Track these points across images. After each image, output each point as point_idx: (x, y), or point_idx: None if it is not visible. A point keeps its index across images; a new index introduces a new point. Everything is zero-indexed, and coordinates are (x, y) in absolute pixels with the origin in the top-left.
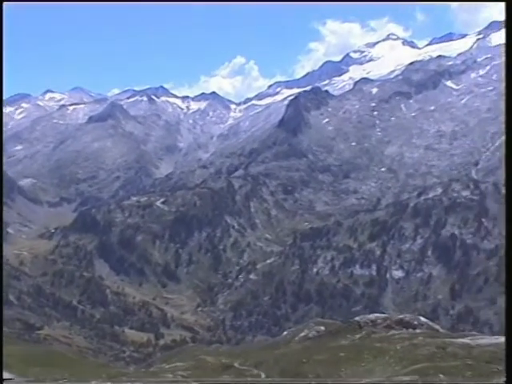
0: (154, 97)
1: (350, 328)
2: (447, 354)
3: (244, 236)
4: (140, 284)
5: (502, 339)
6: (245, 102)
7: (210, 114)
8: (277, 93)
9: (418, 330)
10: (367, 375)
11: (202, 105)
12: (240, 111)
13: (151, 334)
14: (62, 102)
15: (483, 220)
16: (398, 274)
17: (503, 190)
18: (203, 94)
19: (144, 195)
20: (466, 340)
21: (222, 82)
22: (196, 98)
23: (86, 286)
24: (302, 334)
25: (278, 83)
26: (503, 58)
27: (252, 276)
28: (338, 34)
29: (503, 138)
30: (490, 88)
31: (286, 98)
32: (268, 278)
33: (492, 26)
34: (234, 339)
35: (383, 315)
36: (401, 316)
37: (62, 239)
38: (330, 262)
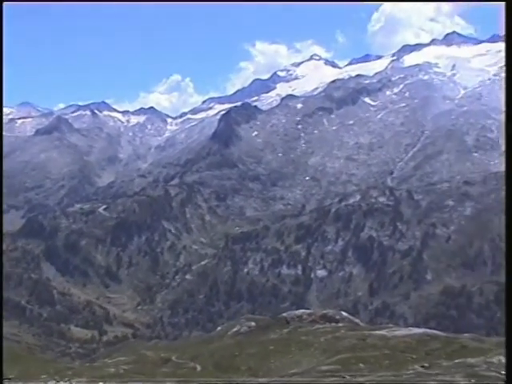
0: (96, 111)
1: (279, 323)
2: (367, 345)
3: (180, 240)
4: (84, 285)
5: (415, 330)
6: (181, 116)
7: (149, 127)
8: (210, 108)
9: (340, 324)
10: (295, 366)
11: (141, 119)
12: (176, 125)
13: (95, 331)
14: (10, 116)
15: (398, 224)
16: (322, 273)
17: (416, 196)
18: (142, 108)
19: (87, 202)
20: (383, 332)
21: (159, 98)
22: (135, 113)
23: (33, 287)
24: (235, 330)
25: (211, 99)
26: (415, 78)
27: (188, 276)
28: (267, 54)
29: (415, 149)
30: (402, 104)
31: (218, 113)
32: (203, 278)
33: (404, 49)
34: (172, 335)
35: (308, 311)
36: (324, 311)
37: (11, 244)
38: (260, 262)
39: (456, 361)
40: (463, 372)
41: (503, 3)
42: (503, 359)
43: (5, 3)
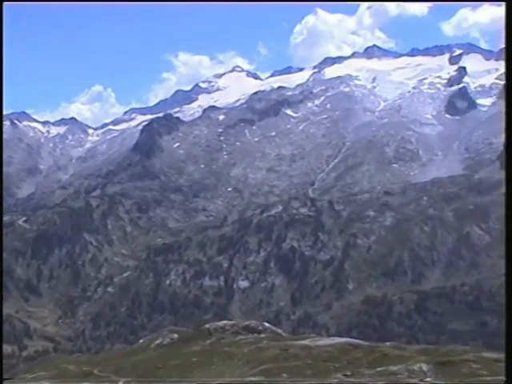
0: (16, 121)
1: (201, 335)
2: (289, 355)
3: (102, 252)
4: (3, 298)
5: (338, 340)
6: (102, 127)
7: (70, 137)
8: (132, 119)
9: (262, 335)
10: (218, 377)
11: (62, 129)
12: (97, 135)
13: (15, 345)
14: None
15: (319, 234)
16: (244, 284)
17: (337, 207)
18: (63, 119)
19: (7, 214)
20: (306, 342)
21: (81, 108)
22: (56, 123)
23: None
24: (157, 342)
25: (133, 110)
26: (336, 90)
27: (110, 289)
28: (189, 65)
29: (336, 160)
30: (324, 116)
31: (140, 124)
32: (125, 291)
33: (326, 62)
34: (94, 348)
35: (231, 322)
36: (247, 322)
37: None
38: (182, 274)
39: (378, 369)
40: (385, 380)
41: (503, 3)
42: (424, 366)
43: (5, 3)
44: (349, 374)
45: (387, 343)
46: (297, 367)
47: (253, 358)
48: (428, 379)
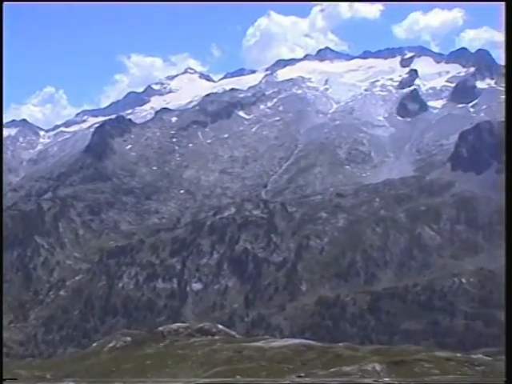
0: None
1: (155, 337)
2: (243, 357)
3: (53, 255)
4: None
5: (291, 341)
6: (53, 129)
7: (21, 139)
8: (83, 121)
9: (216, 337)
10: (172, 380)
11: (13, 131)
12: (49, 137)
13: None
14: None
15: (272, 236)
16: (197, 286)
17: (290, 209)
18: (14, 120)
19: None
20: (259, 344)
21: (32, 110)
22: (7, 125)
23: None
24: (110, 345)
25: (85, 112)
26: (288, 92)
27: (62, 292)
28: (142, 66)
29: (288, 162)
30: (276, 118)
31: (92, 126)
32: (77, 294)
33: (278, 64)
34: (46, 352)
35: (184, 324)
36: (200, 325)
37: None
38: (135, 277)
39: (331, 370)
40: (339, 380)
41: (503, 3)
42: (377, 366)
43: (5, 3)
44: (303, 375)
45: (340, 344)
46: (251, 369)
47: (207, 361)
48: (385, 379)
